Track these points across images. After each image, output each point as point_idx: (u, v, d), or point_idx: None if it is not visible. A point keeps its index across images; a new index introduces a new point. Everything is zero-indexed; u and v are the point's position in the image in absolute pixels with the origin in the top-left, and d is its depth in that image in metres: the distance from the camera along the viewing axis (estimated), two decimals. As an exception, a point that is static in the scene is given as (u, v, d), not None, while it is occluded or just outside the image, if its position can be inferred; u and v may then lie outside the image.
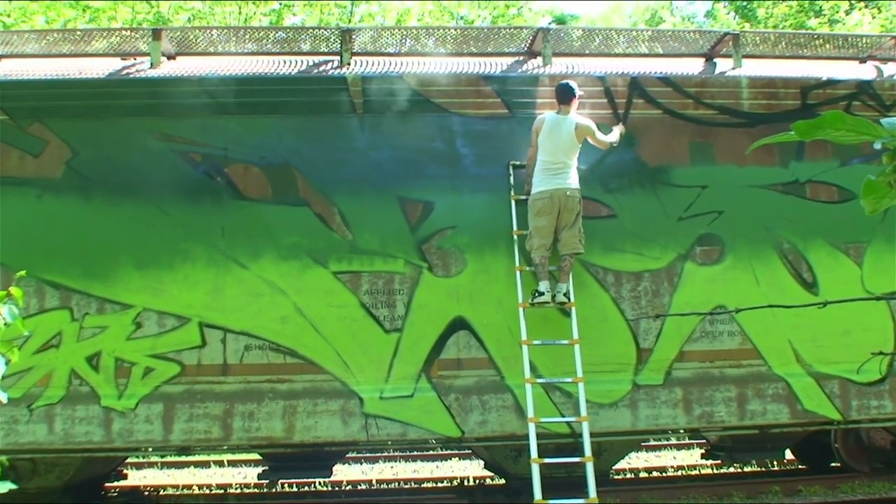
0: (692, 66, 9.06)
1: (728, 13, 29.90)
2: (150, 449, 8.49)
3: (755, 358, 8.49)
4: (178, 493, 13.43)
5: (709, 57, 9.19)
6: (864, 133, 1.24)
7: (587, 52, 9.30)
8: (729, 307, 8.44)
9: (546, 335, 8.06)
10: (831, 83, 8.86)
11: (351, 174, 8.28)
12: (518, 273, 8.15)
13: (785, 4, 25.22)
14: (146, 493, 12.72)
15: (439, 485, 13.20)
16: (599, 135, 8.08)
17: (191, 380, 8.06)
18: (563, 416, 8.07)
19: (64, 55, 8.82)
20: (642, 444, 15.77)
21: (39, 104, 8.22)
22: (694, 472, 14.18)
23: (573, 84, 8.10)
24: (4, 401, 3.44)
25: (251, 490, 13.31)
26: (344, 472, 14.53)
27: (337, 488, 13.31)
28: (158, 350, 8.07)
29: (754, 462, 13.13)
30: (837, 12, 23.97)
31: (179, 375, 8.06)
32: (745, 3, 28.63)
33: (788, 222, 8.60)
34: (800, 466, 13.50)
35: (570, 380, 7.93)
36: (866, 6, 24.04)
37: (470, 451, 12.91)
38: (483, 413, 8.19)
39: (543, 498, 7.38)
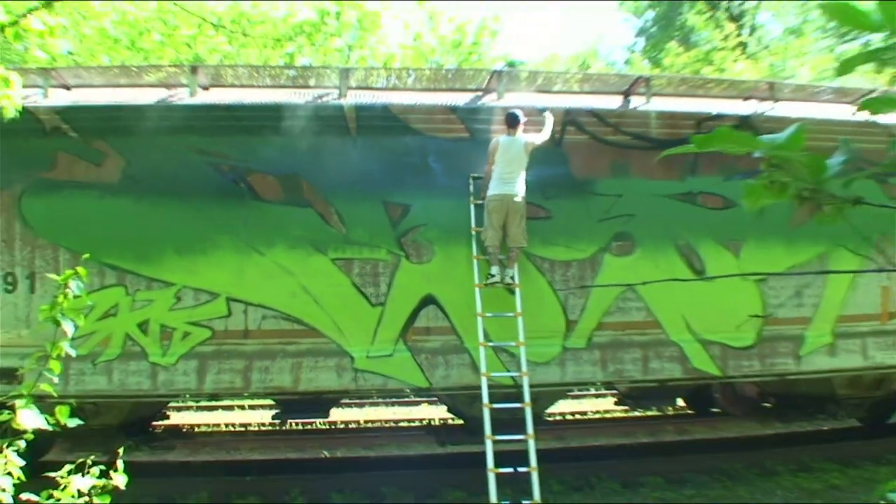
0: (613, 102, 9.16)
1: (642, 61, 30.11)
2: (188, 395, 8.57)
3: (656, 328, 8.63)
4: (209, 429, 13.49)
5: (626, 94, 9.27)
6: (747, 145, 1.35)
7: (532, 89, 9.38)
8: (639, 290, 8.58)
9: (496, 309, 8.15)
10: (720, 116, 8.95)
11: (346, 182, 8.30)
12: (475, 261, 8.23)
13: (685, 55, 25.46)
14: (184, 429, 12.78)
15: (412, 424, 13.32)
16: (541, 138, 8.18)
17: (219, 342, 8.13)
18: (508, 371, 8.18)
19: (121, 86, 8.83)
20: (568, 393, 15.94)
21: (102, 124, 8.22)
22: (608, 416, 14.34)
23: (518, 112, 8.20)
24: (74, 355, 3.51)
25: (266, 428, 13.38)
26: (339, 415, 14.58)
27: (333, 426, 13.40)
28: (194, 318, 8.12)
29: (654, 408, 13.29)
30: (725, 62, 24.26)
31: (210, 338, 8.12)
32: (655, 54, 28.87)
33: (684, 224, 8.71)
34: (689, 411, 13.69)
35: (514, 343, 8.03)
36: (747, 58, 24.36)
37: (436, 399, 13.00)
38: (447, 369, 8.30)
39: (492, 434, 7.51)
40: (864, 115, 9.29)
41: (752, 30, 31.25)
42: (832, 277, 9.12)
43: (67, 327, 3.34)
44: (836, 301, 9.15)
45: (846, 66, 1.61)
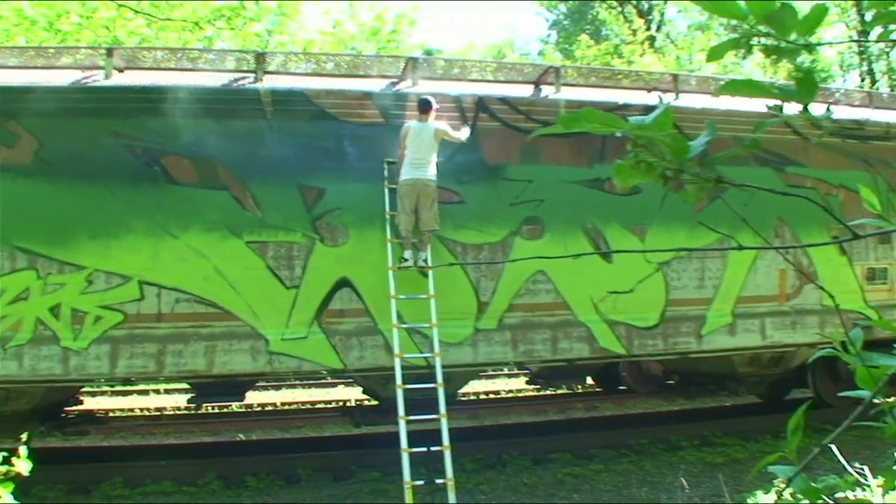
0: (525, 91, 9.32)
1: (555, 52, 30.58)
2: (101, 380, 8.44)
3: (565, 309, 8.85)
4: (123, 414, 13.30)
5: (537, 84, 9.45)
6: (612, 125, 1.42)
7: (448, 77, 9.47)
8: (548, 273, 8.79)
9: (409, 291, 8.24)
10: (626, 106, 9.20)
11: (261, 166, 8.26)
12: (389, 244, 8.29)
13: (596, 48, 25.96)
14: (97, 414, 12.57)
15: (328, 406, 13.36)
16: (452, 133, 8.29)
17: (132, 325, 7.99)
18: (421, 352, 8.28)
19: (37, 67, 8.60)
20: (481, 373, 16.18)
21: (14, 105, 8.01)
22: (520, 395, 14.61)
23: (430, 98, 8.30)
24: None
25: (182, 412, 13.25)
26: (255, 398, 14.52)
27: (249, 409, 13.35)
28: (106, 302, 7.97)
29: (564, 386, 13.60)
30: (634, 55, 24.83)
31: (123, 322, 7.98)
32: (567, 46, 29.36)
33: (592, 209, 8.93)
34: (597, 389, 14.05)
35: (427, 325, 8.15)
36: (655, 52, 24.98)
37: (352, 380, 13.06)
38: (361, 351, 8.35)
39: (406, 414, 7.61)
40: (764, 107, 9.64)
41: (660, 25, 32.09)
42: (733, 261, 9.47)
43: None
44: (736, 283, 9.51)
45: (714, 53, 1.73)
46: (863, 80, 29.00)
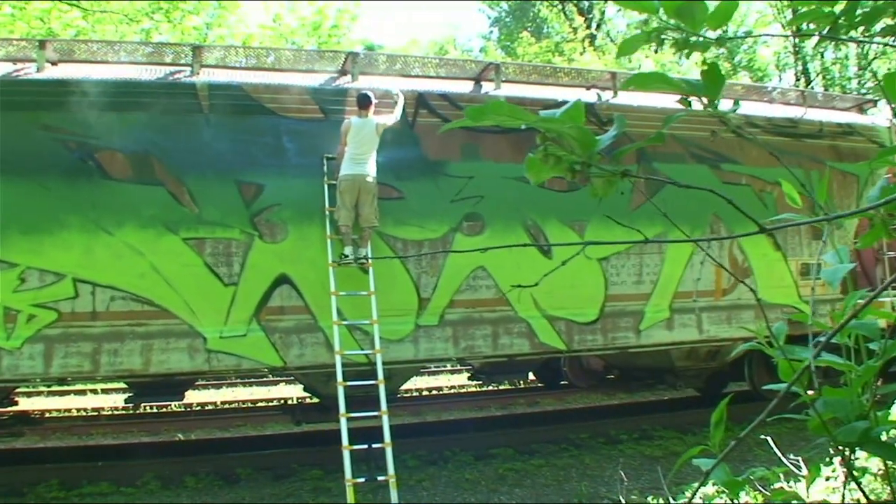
0: (465, 87, 9.32)
1: (496, 49, 30.71)
2: (36, 380, 8.23)
3: (505, 305, 8.86)
4: (60, 415, 13.01)
5: (477, 80, 9.46)
6: (520, 118, 1.39)
7: (389, 73, 9.41)
8: (488, 269, 8.79)
9: (350, 288, 8.16)
10: (564, 103, 9.21)
11: (198, 161, 8.10)
12: (329, 240, 8.22)
13: (537, 45, 26.11)
14: (33, 415, 12.28)
15: (270, 404, 13.23)
16: (391, 119, 8.24)
17: (66, 324, 7.78)
18: (362, 349, 8.22)
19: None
20: (422, 370, 16.16)
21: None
22: (463, 391, 14.64)
23: (370, 93, 8.23)
24: None
25: (120, 412, 13.01)
26: (195, 397, 14.32)
27: (189, 409, 13.15)
28: (39, 300, 7.75)
29: (506, 382, 13.66)
30: (574, 52, 25.04)
31: (57, 321, 7.77)
32: (508, 44, 29.51)
33: (532, 205, 8.96)
34: (539, 384, 14.13)
35: (367, 322, 8.09)
36: (595, 50, 25.22)
37: (293, 378, 12.94)
38: (301, 348, 8.26)
39: (347, 412, 7.56)
40: (698, 105, 9.75)
41: (600, 23, 32.41)
42: (670, 257, 9.59)
43: None
44: (674, 279, 9.63)
45: (625, 48, 1.72)
46: (798, 80, 29.59)
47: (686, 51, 1.54)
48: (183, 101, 8.20)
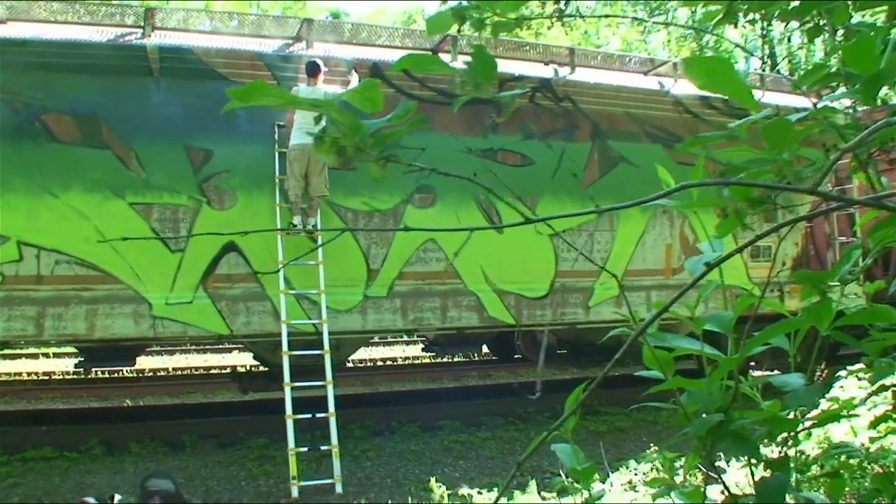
0: (421, 58, 9.22)
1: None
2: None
3: (455, 278, 8.85)
4: (10, 378, 12.86)
5: (434, 52, 9.37)
6: (283, 99, 1.36)
7: (346, 41, 9.29)
8: (439, 242, 8.78)
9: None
10: (522, 78, 9.20)
11: (147, 125, 7.95)
12: (278, 209, 8.16)
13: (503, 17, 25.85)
14: (-21, 379, 12.13)
15: (222, 372, 13.18)
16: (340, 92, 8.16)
17: (10, 287, 7.65)
18: (309, 318, 8.19)
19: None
20: (378, 339, 16.20)
21: None
22: (417, 362, 14.67)
23: (318, 61, 8.10)
24: None
25: (71, 377, 12.89)
26: (147, 363, 14.23)
27: (141, 375, 13.06)
28: (-18, 263, 7.66)
29: (461, 354, 13.72)
30: (542, 27, 24.88)
31: (1, 284, 7.67)
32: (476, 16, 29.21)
33: (484, 179, 8.90)
34: (493, 357, 14.20)
35: (315, 291, 8.06)
36: (563, 24, 25.11)
37: (243, 346, 12.91)
38: (248, 316, 8.19)
39: (293, 381, 7.54)
40: (655, 84, 9.78)
41: (568, -1, 32.23)
42: (621, 235, 9.63)
43: None
44: (624, 256, 9.67)
45: (432, 26, 1.70)
46: (764, 63, 29.68)
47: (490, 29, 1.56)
48: (133, 64, 8.04)
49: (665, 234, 9.81)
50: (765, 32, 29.16)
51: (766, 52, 30.59)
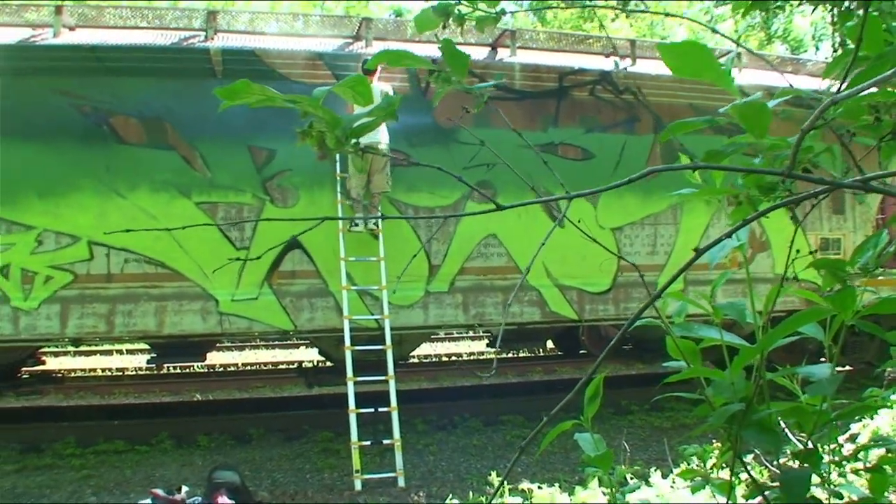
0: (479, 53, 9.24)
1: (527, 15, 30.34)
2: (52, 340, 8.42)
3: (516, 273, 8.86)
4: (84, 374, 13.26)
5: (493, 47, 9.38)
6: (270, 98, 1.38)
7: (404, 39, 9.35)
8: (500, 237, 8.79)
9: (360, 254, 8.20)
10: (581, 71, 9.16)
11: (211, 126, 8.14)
12: (339, 206, 8.27)
13: (568, 11, 25.71)
14: (56, 375, 12.54)
15: (289, 367, 13.39)
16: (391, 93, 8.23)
17: (82, 286, 7.95)
18: (372, 314, 8.28)
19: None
20: (445, 335, 16.24)
21: (-39, 63, 7.88)
22: (482, 357, 14.68)
23: (373, 59, 8.18)
24: None
25: (144, 372, 13.24)
26: (218, 358, 14.54)
27: (211, 370, 13.36)
28: (56, 262, 7.90)
29: (525, 349, 13.70)
30: (605, 19, 24.57)
31: (73, 282, 7.93)
32: (540, 10, 29.08)
33: (544, 173, 8.89)
34: (558, 353, 14.14)
35: (376, 287, 8.15)
36: (626, 16, 24.74)
37: (309, 342, 13.06)
38: (311, 312, 8.34)
39: (355, 375, 7.63)
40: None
41: (634, -10, 31.74)
42: (685, 228, 9.50)
43: None
44: (689, 249, 9.50)
45: (420, 23, 1.71)
46: (835, 51, 28.87)
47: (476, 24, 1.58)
48: (196, 67, 8.23)
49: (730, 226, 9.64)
50: (834, 19, 28.33)
51: (837, 38, 29.76)
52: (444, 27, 1.60)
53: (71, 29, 8.49)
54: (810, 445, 1.42)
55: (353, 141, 1.38)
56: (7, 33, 8.19)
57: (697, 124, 1.49)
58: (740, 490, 2.03)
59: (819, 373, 1.37)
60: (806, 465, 1.38)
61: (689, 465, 6.70)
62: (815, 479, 1.46)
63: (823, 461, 1.45)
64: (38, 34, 8.27)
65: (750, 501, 1.54)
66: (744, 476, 1.59)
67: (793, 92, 1.43)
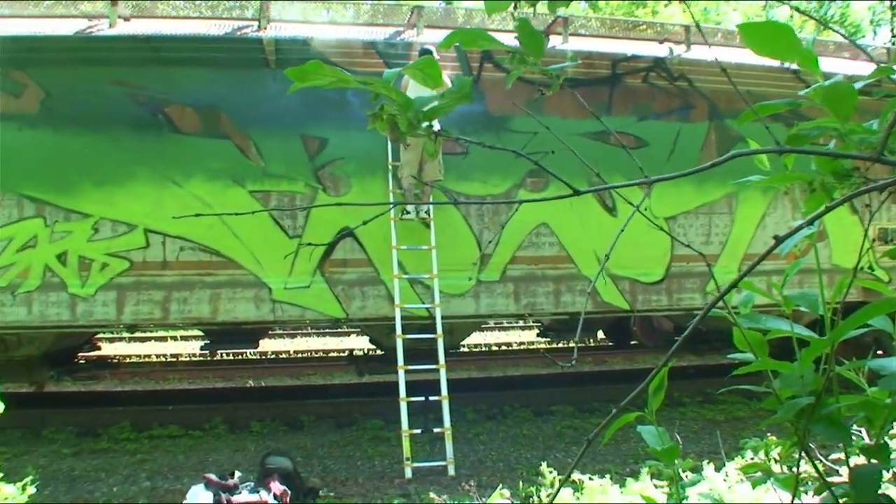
0: (532, 40, 9.16)
1: (580, 2, 30.09)
2: (108, 326, 8.59)
3: (568, 262, 8.81)
4: (139, 360, 13.51)
5: (545, 34, 9.30)
6: (341, 79, 1.37)
7: (457, 26, 9.36)
8: (552, 226, 8.75)
9: (411, 242, 8.23)
10: (635, 58, 9.05)
11: (264, 115, 8.23)
12: (391, 195, 8.28)
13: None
14: (112, 360, 12.79)
15: (340, 354, 13.50)
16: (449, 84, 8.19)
17: (138, 273, 8.10)
18: (422, 303, 8.31)
19: (42, 16, 8.59)
20: (495, 324, 16.20)
21: (21, 55, 8.03)
22: (532, 347, 14.65)
23: (431, 47, 8.14)
24: None
25: (197, 359, 13.45)
26: (270, 345, 14.71)
27: (263, 357, 13.52)
28: (112, 250, 8.07)
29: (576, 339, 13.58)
30: (658, 5, 24.29)
31: (129, 270, 8.09)
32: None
33: (598, 162, 8.80)
34: (609, 343, 14.04)
35: (427, 276, 8.18)
36: (680, 1, 24.33)
37: (360, 330, 13.14)
38: (363, 300, 8.39)
39: (406, 364, 7.66)
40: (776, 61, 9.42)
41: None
42: (740, 217, 9.36)
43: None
44: (744, 239, 9.40)
45: (491, 7, 1.68)
46: (894, 36, 28.15)
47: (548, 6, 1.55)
48: (250, 56, 8.31)
49: (787, 216, 9.47)
50: (893, 4, 27.62)
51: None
52: (515, 7, 1.57)
53: (126, 20, 8.61)
54: (878, 440, 1.39)
55: (426, 124, 1.37)
56: (63, 24, 8.34)
57: (778, 107, 1.44)
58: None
59: (890, 366, 1.34)
60: (875, 461, 1.35)
61: (743, 457, 6.63)
62: (886, 475, 1.43)
63: (893, 457, 1.41)
64: (93, 25, 8.40)
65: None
66: (801, 469, 1.56)
67: (884, 71, 1.37)
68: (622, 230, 1.77)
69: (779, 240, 1.33)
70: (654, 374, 1.46)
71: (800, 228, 1.37)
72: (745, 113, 1.50)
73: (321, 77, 1.32)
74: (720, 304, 1.57)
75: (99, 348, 12.61)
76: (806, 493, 1.56)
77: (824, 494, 1.42)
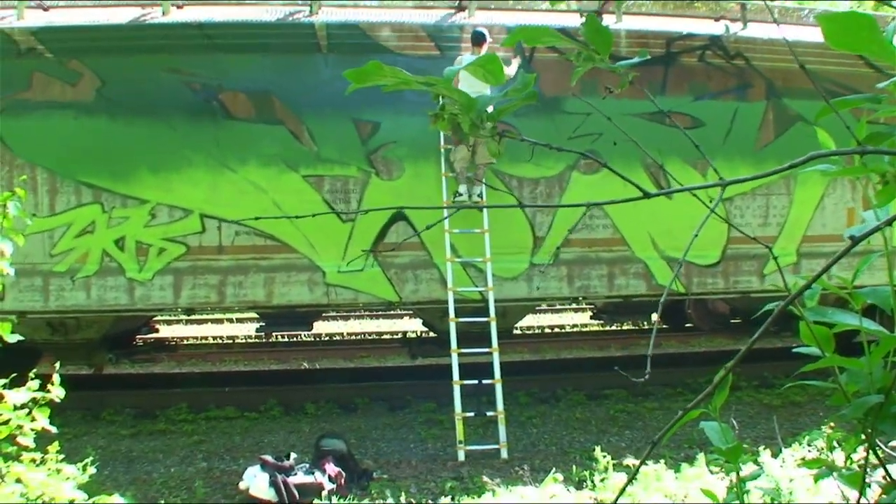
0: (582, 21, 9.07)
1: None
2: (177, 310, 8.81)
3: (622, 245, 8.75)
4: (196, 342, 13.77)
5: (598, 13, 9.19)
6: (401, 80, 1.38)
7: (506, 8, 9.32)
8: (605, 208, 8.69)
9: (464, 226, 8.27)
10: (690, 36, 8.91)
11: (317, 100, 8.29)
12: (444, 178, 8.32)
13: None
14: (169, 342, 13.05)
15: (393, 337, 13.60)
16: (505, 68, 8.15)
17: (194, 257, 8.27)
18: (476, 286, 8.34)
19: (96, 5, 8.75)
20: (548, 307, 16.16)
21: (77, 44, 8.20)
22: (585, 330, 14.59)
23: (484, 30, 8.10)
24: (13, 274, 3.54)
25: (253, 341, 13.66)
26: (324, 328, 14.88)
27: (317, 339, 13.68)
28: (169, 235, 8.24)
29: (629, 322, 13.54)
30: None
31: (185, 254, 8.26)
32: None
33: (652, 143, 8.70)
34: (663, 326, 13.90)
35: (480, 259, 8.19)
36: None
37: (413, 313, 13.23)
38: (416, 284, 8.45)
39: (459, 347, 7.70)
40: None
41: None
42: (799, 199, 9.20)
43: (4, 247, 3.43)
44: (802, 221, 9.23)
45: None
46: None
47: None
48: (302, 41, 8.37)
49: (846, 197, 9.27)
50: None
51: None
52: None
53: (179, 7, 8.72)
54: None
55: (490, 125, 1.37)
56: (118, 13, 8.48)
57: (856, 102, 1.42)
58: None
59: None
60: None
61: (801, 444, 6.55)
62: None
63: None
64: (147, 13, 8.53)
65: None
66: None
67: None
68: (696, 234, 1.73)
69: (855, 240, 1.31)
70: (723, 377, 1.44)
71: (877, 229, 1.34)
72: (823, 108, 1.47)
73: (381, 78, 1.33)
74: (782, 290, 1.54)
75: (157, 331, 12.86)
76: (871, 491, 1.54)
77: (894, 493, 1.40)
